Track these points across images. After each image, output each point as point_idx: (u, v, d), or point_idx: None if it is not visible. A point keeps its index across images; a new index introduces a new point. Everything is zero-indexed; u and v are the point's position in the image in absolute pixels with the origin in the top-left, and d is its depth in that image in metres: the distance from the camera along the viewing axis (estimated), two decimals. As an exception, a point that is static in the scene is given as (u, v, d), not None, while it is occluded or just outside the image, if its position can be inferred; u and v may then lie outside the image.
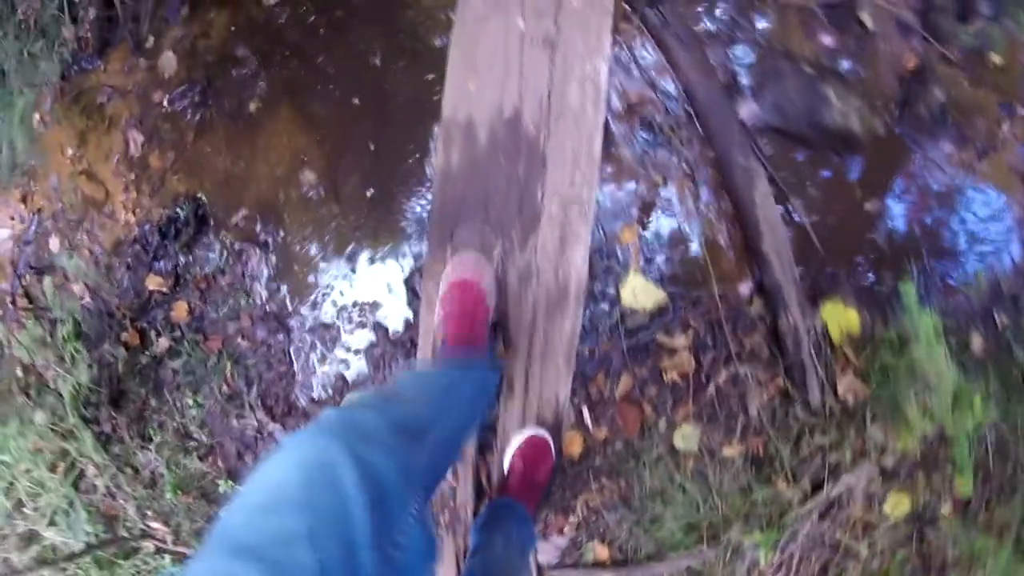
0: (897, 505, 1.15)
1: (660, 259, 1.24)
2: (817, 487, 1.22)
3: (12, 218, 1.76)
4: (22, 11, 1.67)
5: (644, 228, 1.23)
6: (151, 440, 1.33)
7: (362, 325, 1.24)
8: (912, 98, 1.50)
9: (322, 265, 1.31)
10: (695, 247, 1.24)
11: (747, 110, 1.29)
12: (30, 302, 1.63)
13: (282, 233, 1.32)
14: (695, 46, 1.28)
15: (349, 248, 1.28)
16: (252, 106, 1.35)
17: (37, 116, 1.70)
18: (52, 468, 1.38)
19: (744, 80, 1.31)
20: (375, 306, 1.28)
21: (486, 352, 1.04)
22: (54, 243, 1.62)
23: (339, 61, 1.32)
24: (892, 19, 1.57)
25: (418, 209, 1.25)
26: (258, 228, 1.33)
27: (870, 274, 1.38)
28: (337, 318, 1.28)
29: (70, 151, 1.62)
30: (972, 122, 1.64)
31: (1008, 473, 1.30)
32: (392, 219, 1.24)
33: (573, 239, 1.16)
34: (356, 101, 1.31)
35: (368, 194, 1.25)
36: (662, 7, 1.31)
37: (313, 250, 1.30)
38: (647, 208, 1.24)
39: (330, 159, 1.32)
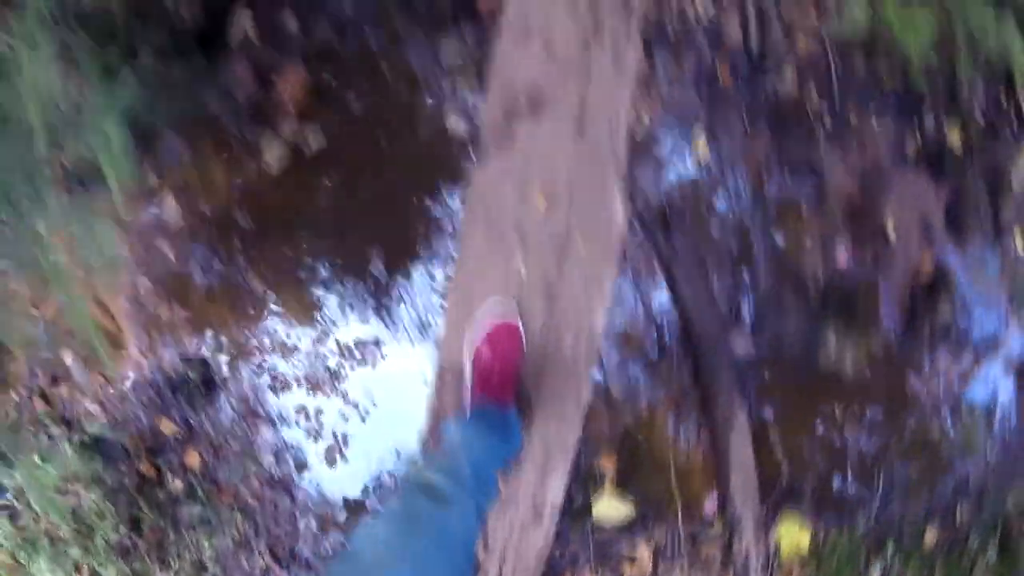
0: None
1: (634, 480, 1.42)
2: None
3: (22, 313, 1.92)
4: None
5: (622, 453, 1.39)
6: (171, 566, 1.61)
7: (366, 510, 1.46)
8: (919, 317, 1.56)
9: (328, 444, 1.49)
10: (668, 472, 1.41)
11: (742, 344, 1.39)
12: (47, 404, 1.84)
13: (290, 412, 1.49)
14: (701, 279, 1.35)
15: (353, 439, 1.46)
16: (258, 286, 1.46)
17: (42, 224, 1.79)
18: (76, 570, 1.68)
19: (745, 312, 1.39)
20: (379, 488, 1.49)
21: (514, 402, 1.16)
22: (67, 356, 1.79)
23: (341, 257, 1.41)
24: (917, 224, 1.59)
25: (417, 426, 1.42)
26: (267, 402, 1.50)
27: (834, 490, 1.55)
28: (339, 495, 1.49)
29: (78, 273, 1.73)
30: (980, 322, 1.71)
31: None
32: (391, 432, 1.40)
33: (551, 471, 1.33)
34: (369, 301, 1.42)
35: (368, 404, 1.40)
36: (675, 232, 1.35)
37: (321, 431, 1.49)
38: (628, 436, 1.39)
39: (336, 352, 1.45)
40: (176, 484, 1.60)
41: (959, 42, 1.46)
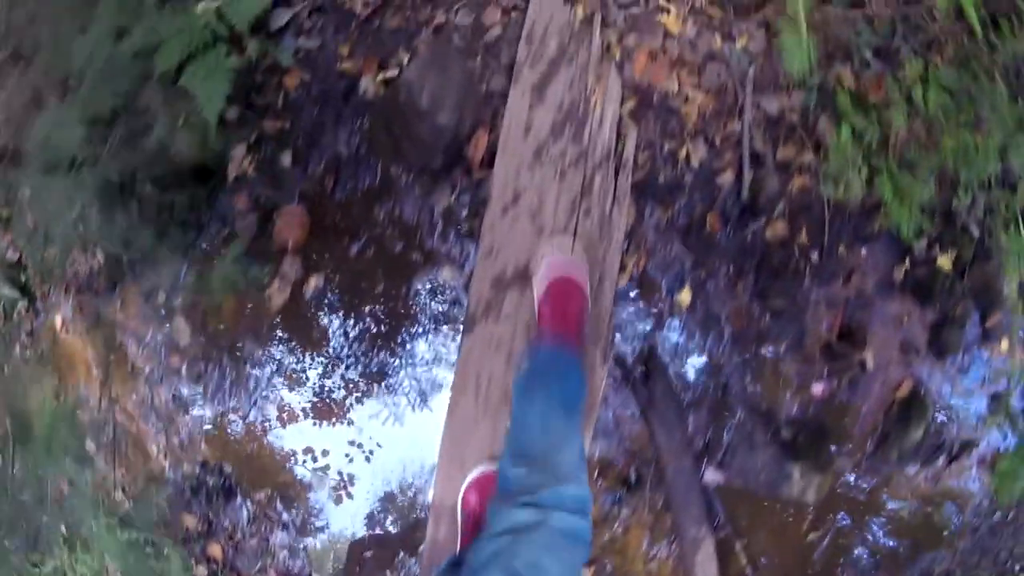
0: None
1: (610, 589, 1.66)
2: None
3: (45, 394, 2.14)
4: (31, 218, 1.82)
5: (599, 568, 1.62)
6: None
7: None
8: (892, 435, 1.71)
9: (339, 548, 1.75)
10: (641, 582, 1.65)
11: (711, 475, 1.57)
12: (72, 486, 2.10)
13: (302, 515, 1.73)
14: (676, 420, 1.51)
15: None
16: (272, 412, 1.65)
17: (59, 320, 1.97)
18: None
19: (717, 445, 1.56)
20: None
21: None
22: (90, 445, 2.03)
23: (336, 388, 1.59)
24: (898, 349, 1.70)
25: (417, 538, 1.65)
26: (279, 508, 1.74)
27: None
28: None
29: (95, 372, 1.93)
30: (954, 429, 1.86)
31: None
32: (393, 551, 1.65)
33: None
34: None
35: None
36: (653, 377, 1.50)
37: (332, 537, 1.74)
38: (604, 553, 1.61)
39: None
40: (200, 571, 1.88)
41: (960, 182, 1.51)
